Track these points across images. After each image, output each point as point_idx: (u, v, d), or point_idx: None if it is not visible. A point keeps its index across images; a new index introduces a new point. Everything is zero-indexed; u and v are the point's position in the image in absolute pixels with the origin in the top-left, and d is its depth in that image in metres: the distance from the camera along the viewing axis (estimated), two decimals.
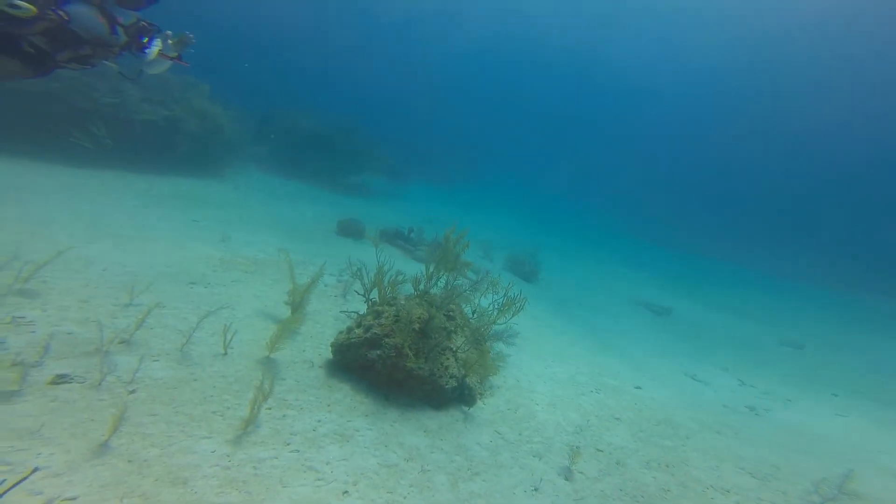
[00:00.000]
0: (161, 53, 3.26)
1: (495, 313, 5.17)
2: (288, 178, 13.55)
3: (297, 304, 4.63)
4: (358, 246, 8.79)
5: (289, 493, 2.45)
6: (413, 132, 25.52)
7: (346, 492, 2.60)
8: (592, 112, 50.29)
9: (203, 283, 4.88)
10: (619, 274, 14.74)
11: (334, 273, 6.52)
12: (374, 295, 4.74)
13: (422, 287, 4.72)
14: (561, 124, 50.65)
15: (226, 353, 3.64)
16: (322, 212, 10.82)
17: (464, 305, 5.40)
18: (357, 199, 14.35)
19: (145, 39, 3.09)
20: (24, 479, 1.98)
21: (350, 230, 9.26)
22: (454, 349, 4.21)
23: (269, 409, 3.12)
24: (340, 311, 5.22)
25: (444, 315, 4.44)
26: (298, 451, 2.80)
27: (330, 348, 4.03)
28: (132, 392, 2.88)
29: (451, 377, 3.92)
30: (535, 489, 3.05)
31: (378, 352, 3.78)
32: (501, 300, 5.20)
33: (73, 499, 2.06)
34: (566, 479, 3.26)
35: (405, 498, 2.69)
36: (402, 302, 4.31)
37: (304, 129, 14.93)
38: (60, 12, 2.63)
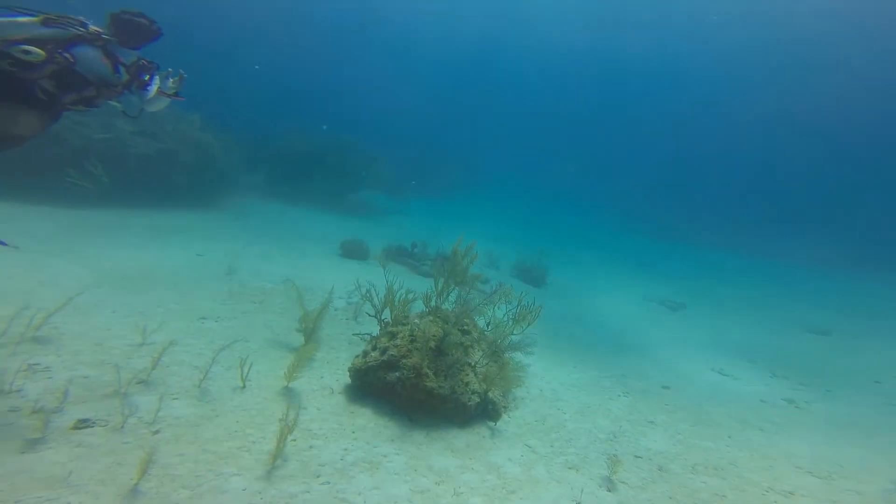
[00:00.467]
0: (160, 91, 3.39)
1: (511, 324, 5.20)
2: (286, 203, 13.73)
3: (310, 330, 4.68)
4: (363, 267, 8.86)
5: None
6: (409, 145, 25.83)
7: None
8: (591, 109, 50.77)
9: (213, 317, 4.94)
10: (628, 272, 14.72)
11: (343, 296, 6.57)
12: (386, 315, 4.78)
13: (433, 303, 4.77)
14: (559, 124, 51.15)
15: (244, 387, 3.68)
16: (324, 235, 10.94)
17: (477, 318, 5.43)
18: (357, 218, 14.50)
19: (146, 77, 3.20)
20: None
21: (354, 251, 9.34)
22: (473, 364, 4.23)
23: (295, 440, 3.14)
24: (353, 334, 5.25)
25: (459, 330, 4.47)
26: (329, 482, 2.82)
27: (348, 373, 4.06)
28: (156, 433, 2.92)
29: (472, 393, 3.94)
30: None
31: (397, 374, 3.81)
32: (515, 310, 5.24)
33: None
34: (608, 490, 3.24)
35: None
36: (416, 320, 4.36)
37: (299, 151, 15.15)
38: (67, 55, 2.76)
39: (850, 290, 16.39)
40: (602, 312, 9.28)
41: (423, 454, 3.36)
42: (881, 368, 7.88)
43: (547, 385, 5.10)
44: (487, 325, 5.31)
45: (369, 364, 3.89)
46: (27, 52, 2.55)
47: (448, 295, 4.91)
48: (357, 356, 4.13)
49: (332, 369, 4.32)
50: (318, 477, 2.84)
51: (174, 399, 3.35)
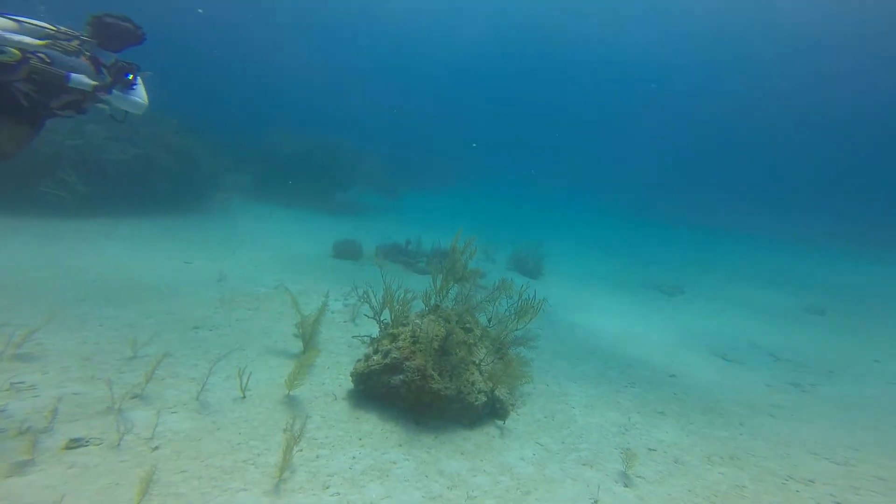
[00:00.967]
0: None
1: (514, 319, 5.18)
2: (274, 204, 13.54)
3: (308, 336, 4.60)
4: (358, 267, 8.77)
5: None
6: (399, 142, 25.67)
7: None
8: (580, 98, 50.90)
9: (207, 326, 4.84)
10: (623, 259, 14.82)
11: (339, 298, 6.49)
12: (385, 316, 4.73)
13: (433, 302, 4.72)
14: (547, 116, 51.27)
15: (244, 397, 3.60)
16: (315, 235, 10.81)
17: (478, 314, 5.40)
18: (349, 217, 14.36)
19: (131, 77, 3.13)
20: None
21: (347, 251, 9.24)
22: (477, 363, 4.20)
23: (301, 450, 3.08)
24: (352, 337, 5.19)
25: (462, 328, 4.43)
26: (339, 493, 2.76)
27: (350, 378, 4.00)
28: (155, 449, 2.83)
29: (479, 392, 3.91)
30: (595, 501, 3.02)
31: (401, 376, 3.75)
32: (517, 304, 5.22)
33: None
34: (625, 485, 3.23)
35: None
36: (417, 320, 4.30)
37: (285, 151, 14.95)
38: (42, 55, 2.68)
39: (841, 268, 16.72)
40: (601, 301, 9.32)
41: (433, 458, 3.32)
42: (877, 347, 8.04)
43: (552, 379, 5.09)
44: (489, 321, 5.29)
45: (372, 368, 3.83)
46: (1, 52, 2.47)
47: (447, 292, 4.87)
48: (359, 360, 4.07)
49: (334, 374, 4.26)
50: (327, 488, 2.79)
51: (172, 413, 3.26)
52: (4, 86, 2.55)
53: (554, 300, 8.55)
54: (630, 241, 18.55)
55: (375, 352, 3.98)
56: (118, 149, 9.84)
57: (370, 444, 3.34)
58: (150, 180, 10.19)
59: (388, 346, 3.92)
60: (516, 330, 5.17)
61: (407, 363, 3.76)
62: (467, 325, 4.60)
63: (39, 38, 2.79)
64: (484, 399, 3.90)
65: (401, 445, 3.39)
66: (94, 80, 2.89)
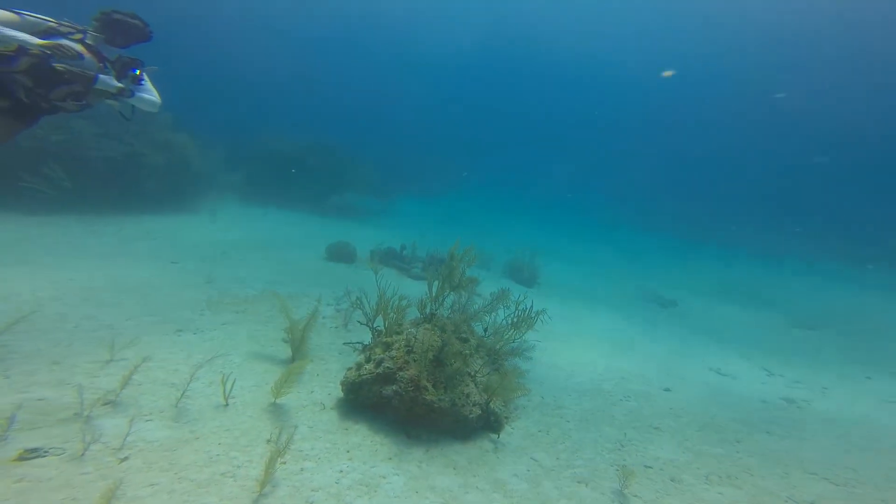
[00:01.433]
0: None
1: (511, 330, 5.07)
2: (267, 205, 13.32)
3: (298, 341, 4.43)
4: (351, 270, 8.59)
5: None
6: (394, 145, 25.60)
7: None
8: (576, 108, 51.37)
9: (191, 329, 4.63)
10: (618, 269, 14.82)
11: (331, 302, 6.32)
12: (378, 323, 4.58)
13: (428, 310, 4.58)
14: (544, 123, 51.66)
15: (227, 404, 3.41)
16: (308, 238, 10.62)
17: (474, 323, 5.27)
18: (343, 220, 14.18)
19: (138, 72, 3.15)
20: None
21: (340, 254, 9.07)
22: (473, 374, 4.06)
23: (284, 463, 2.90)
24: (344, 344, 5.02)
25: (458, 338, 4.30)
26: None
27: (340, 387, 3.83)
28: (124, 460, 2.63)
29: (473, 405, 3.77)
30: None
31: (394, 387, 3.60)
32: (514, 314, 5.11)
33: None
34: None
35: None
36: (411, 329, 4.16)
37: (279, 152, 14.78)
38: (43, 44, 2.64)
39: (830, 284, 16.92)
40: (596, 312, 9.23)
41: (424, 473, 3.16)
42: (868, 364, 8.06)
43: (547, 391, 4.96)
44: (485, 331, 5.16)
45: (363, 377, 3.67)
46: None
47: (443, 300, 4.74)
48: (350, 368, 3.90)
49: (323, 382, 4.08)
50: None
51: (147, 421, 3.06)
52: (3, 76, 2.53)
53: (549, 309, 8.44)
54: (627, 251, 18.60)
55: (367, 360, 3.82)
56: (107, 145, 9.60)
57: (358, 456, 3.18)
58: (138, 178, 9.94)
59: (382, 355, 3.77)
60: (513, 342, 5.06)
61: (400, 373, 3.60)
62: (463, 335, 4.47)
63: (38, 29, 2.78)
64: (478, 412, 3.75)
65: (391, 459, 3.23)
66: (96, 73, 2.90)
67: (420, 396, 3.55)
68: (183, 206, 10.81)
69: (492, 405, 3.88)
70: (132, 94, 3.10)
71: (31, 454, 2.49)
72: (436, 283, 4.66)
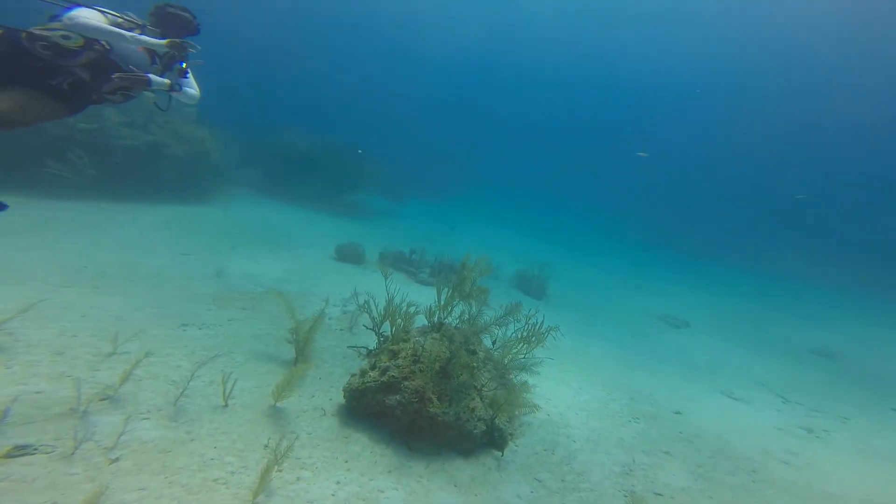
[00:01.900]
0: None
1: (521, 344, 4.89)
2: (280, 200, 13.33)
3: (302, 343, 4.31)
4: (359, 272, 8.49)
5: None
6: (407, 146, 25.60)
7: None
8: (590, 115, 50.96)
9: (197, 324, 4.55)
10: (628, 284, 14.50)
11: (338, 304, 6.21)
12: (385, 329, 4.44)
13: (436, 318, 4.43)
14: (557, 129, 51.27)
15: (226, 405, 3.30)
16: (318, 236, 10.56)
17: (482, 335, 5.10)
18: (353, 219, 14.13)
19: (184, 65, 3.15)
20: None
21: (349, 255, 8.98)
22: (479, 388, 3.90)
23: (280, 471, 2.77)
24: (348, 347, 4.89)
25: (466, 350, 4.14)
26: None
27: (342, 393, 3.70)
28: (114, 461, 2.53)
29: (478, 420, 3.61)
30: None
31: (397, 397, 3.46)
32: (524, 328, 4.93)
33: None
34: None
35: None
36: (419, 338, 4.01)
37: (296, 149, 14.82)
38: (104, 42, 2.70)
39: (848, 307, 16.36)
40: (604, 328, 8.99)
41: (424, 489, 3.01)
42: (892, 394, 7.68)
43: (553, 408, 4.77)
44: (493, 344, 5.00)
45: (367, 385, 3.54)
46: (66, 38, 2.52)
47: (452, 310, 4.58)
48: (353, 374, 3.77)
49: (325, 387, 3.96)
50: None
51: (143, 419, 2.96)
52: (59, 70, 2.58)
53: (557, 324, 8.22)
54: (639, 267, 18.24)
55: (372, 367, 3.69)
56: (130, 134, 9.68)
57: (357, 468, 3.04)
58: (158, 168, 10.01)
59: (387, 363, 3.63)
60: (521, 356, 4.88)
61: (405, 383, 3.46)
62: (471, 347, 4.31)
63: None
64: (483, 427, 3.59)
65: (390, 472, 3.09)
66: (149, 69, 2.93)
67: (424, 408, 3.41)
68: (199, 198, 10.85)
69: (497, 421, 3.72)
70: (179, 89, 3.11)
71: (18, 451, 2.39)
72: (445, 290, 4.51)
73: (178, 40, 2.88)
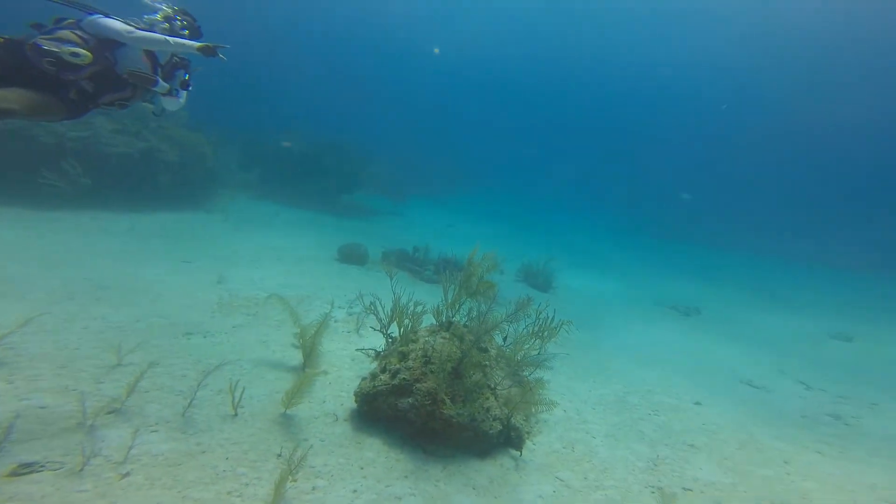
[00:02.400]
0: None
1: (533, 339, 4.84)
2: (280, 203, 13.30)
3: (309, 347, 4.27)
4: (363, 272, 8.45)
5: None
6: (408, 145, 25.54)
7: None
8: (592, 111, 50.66)
9: (201, 332, 4.52)
10: (636, 275, 14.39)
11: (343, 305, 6.17)
12: (393, 330, 4.39)
13: (444, 317, 4.38)
14: (561, 126, 51.02)
15: (236, 414, 3.27)
16: (320, 237, 10.52)
17: (493, 333, 5.04)
18: (355, 220, 14.09)
19: (187, 76, 3.22)
20: None
21: (352, 256, 8.94)
22: (493, 387, 3.84)
23: (295, 480, 2.74)
24: (356, 350, 4.85)
25: (478, 349, 4.08)
26: None
27: (353, 397, 3.66)
28: (125, 476, 2.50)
29: (494, 420, 3.56)
30: None
31: (410, 399, 3.41)
32: (535, 323, 4.86)
33: None
34: None
35: None
36: (428, 338, 3.96)
37: (293, 150, 14.77)
38: (109, 56, 2.76)
39: (864, 292, 16.18)
40: (615, 320, 8.92)
41: (442, 493, 2.96)
42: None
43: (570, 404, 4.72)
44: (504, 340, 4.94)
45: (378, 388, 3.49)
46: (76, 55, 2.55)
47: (460, 307, 4.53)
48: (364, 378, 3.73)
49: (335, 391, 3.92)
50: None
51: (152, 431, 2.93)
52: (66, 82, 2.63)
53: (566, 316, 8.16)
54: (645, 257, 18.12)
55: (383, 370, 3.64)
56: (123, 141, 9.65)
57: (373, 474, 3.00)
58: (154, 175, 9.98)
59: (398, 365, 3.58)
60: (534, 352, 4.82)
61: (417, 385, 3.41)
62: (483, 346, 4.25)
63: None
64: (499, 427, 3.54)
65: (406, 477, 3.04)
66: (151, 80, 2.97)
67: (438, 410, 3.36)
68: (197, 204, 10.83)
69: (513, 420, 3.67)
70: (176, 95, 3.17)
71: (25, 469, 2.36)
72: (452, 288, 4.46)
73: (210, 44, 2.91)
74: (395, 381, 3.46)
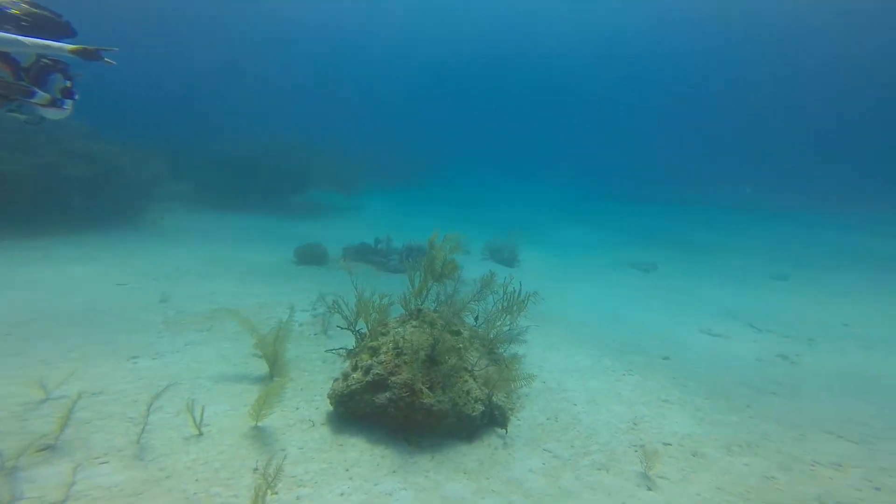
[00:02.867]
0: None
1: (503, 315, 4.89)
2: (223, 211, 12.55)
3: (273, 355, 4.07)
4: (324, 272, 8.18)
5: None
6: (362, 138, 24.94)
7: None
8: (539, 78, 51.46)
9: (149, 354, 4.18)
10: (596, 240, 14.93)
11: (307, 308, 5.94)
12: (361, 326, 4.28)
13: (413, 305, 4.32)
14: (511, 100, 51.44)
15: (201, 434, 3.05)
16: (273, 242, 10.06)
17: (464, 314, 5.05)
18: (309, 220, 13.60)
19: (69, 84, 2.85)
20: None
21: (310, 256, 8.62)
22: (470, 368, 3.85)
23: (276, 493, 2.60)
24: (326, 351, 4.69)
25: (450, 332, 4.07)
26: None
27: (328, 399, 3.53)
28: None
29: (475, 401, 3.56)
30: None
31: (387, 394, 3.34)
32: (503, 299, 4.92)
33: None
34: (649, 489, 2.99)
35: None
36: (398, 328, 3.89)
37: (232, 155, 14.02)
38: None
39: (807, 234, 17.78)
40: (580, 286, 9.21)
41: (433, 483, 2.93)
42: (841, 311, 8.42)
43: (548, 375, 4.83)
44: (476, 320, 4.96)
45: (352, 387, 3.39)
46: None
47: (427, 293, 4.48)
48: (336, 379, 3.61)
49: (309, 396, 3.76)
50: None
51: (101, 463, 2.67)
52: None
53: (534, 287, 8.33)
54: (601, 221, 18.86)
55: (354, 368, 3.53)
56: (11, 158, 8.49)
57: (359, 474, 2.91)
58: (60, 193, 8.93)
59: (369, 361, 3.49)
60: (506, 327, 4.88)
61: (392, 378, 3.34)
62: (454, 328, 4.24)
63: None
64: (481, 408, 3.55)
65: (395, 472, 2.98)
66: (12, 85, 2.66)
67: (417, 401, 3.31)
68: (125, 221, 9.97)
69: (495, 399, 3.69)
70: (61, 105, 2.82)
71: None
72: (417, 274, 4.40)
73: (90, 47, 2.58)
74: (369, 378, 3.37)
